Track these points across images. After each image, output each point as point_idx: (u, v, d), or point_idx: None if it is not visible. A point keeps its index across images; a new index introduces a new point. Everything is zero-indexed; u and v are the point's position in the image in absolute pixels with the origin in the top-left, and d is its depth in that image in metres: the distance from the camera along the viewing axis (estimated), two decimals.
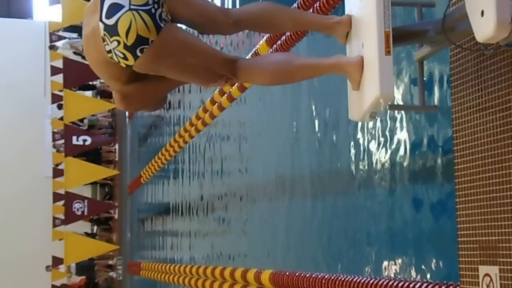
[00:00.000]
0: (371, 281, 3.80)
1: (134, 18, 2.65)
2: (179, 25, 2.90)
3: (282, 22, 3.00)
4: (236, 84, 6.48)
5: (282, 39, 5.33)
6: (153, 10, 2.67)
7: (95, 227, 21.03)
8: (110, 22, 2.68)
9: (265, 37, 5.72)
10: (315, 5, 4.56)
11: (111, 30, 2.67)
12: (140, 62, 2.72)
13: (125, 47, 2.68)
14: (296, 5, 4.83)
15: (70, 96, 15.98)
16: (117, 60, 2.75)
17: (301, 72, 2.91)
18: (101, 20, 2.70)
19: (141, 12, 2.65)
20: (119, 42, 2.68)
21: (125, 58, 2.72)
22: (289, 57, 3.00)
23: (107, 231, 20.17)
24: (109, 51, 2.73)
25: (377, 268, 4.05)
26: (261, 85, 3.08)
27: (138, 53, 2.69)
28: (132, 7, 2.65)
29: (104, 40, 2.72)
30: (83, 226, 20.18)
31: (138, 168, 14.89)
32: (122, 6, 2.66)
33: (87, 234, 19.63)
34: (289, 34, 5.16)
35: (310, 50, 5.16)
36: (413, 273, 3.66)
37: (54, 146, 19.46)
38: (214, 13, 2.92)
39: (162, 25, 2.70)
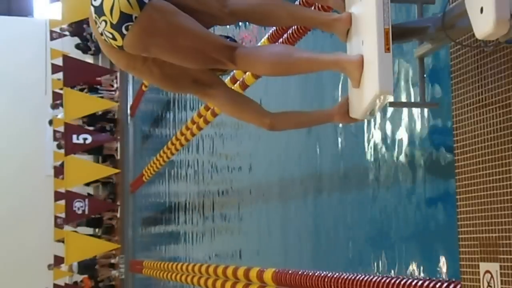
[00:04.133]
0: (373, 279, 3.80)
1: None
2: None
3: (280, 16, 2.99)
4: (238, 82, 6.49)
5: (284, 37, 5.33)
6: None
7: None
8: (97, 3, 2.68)
9: (267, 35, 5.73)
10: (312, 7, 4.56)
11: (99, 11, 2.68)
12: (127, 41, 2.70)
13: (112, 26, 2.67)
14: (298, 2, 4.82)
15: (70, 94, 15.97)
16: (108, 42, 2.74)
17: (300, 66, 2.89)
18: (91, 3, 2.71)
19: None
20: (106, 22, 2.67)
21: (114, 38, 2.71)
22: (289, 49, 2.98)
23: (109, 230, 20.19)
24: (102, 34, 2.73)
25: (378, 266, 4.05)
26: (259, 74, 3.05)
27: (124, 31, 2.67)
28: None
29: (96, 23, 2.72)
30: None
31: (140, 166, 14.89)
32: None
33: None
34: (290, 31, 5.15)
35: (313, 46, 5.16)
36: (414, 271, 3.66)
37: (58, 146, 19.43)
38: (210, 1, 2.89)
39: (146, 1, 2.67)
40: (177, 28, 2.74)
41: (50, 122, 20.02)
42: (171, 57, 2.83)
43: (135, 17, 2.65)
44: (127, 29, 2.67)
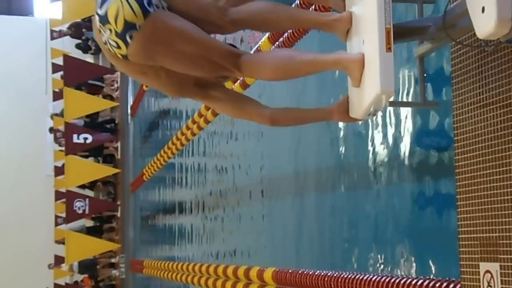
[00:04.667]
0: (372, 278, 3.80)
1: (122, 5, 2.66)
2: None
3: (281, 21, 3.01)
4: (239, 81, 6.49)
5: (284, 36, 5.33)
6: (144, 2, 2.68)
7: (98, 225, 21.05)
8: (102, 12, 2.71)
9: (267, 34, 5.73)
10: (312, 8, 4.57)
11: (103, 20, 2.71)
12: (131, 49, 2.72)
13: (116, 34, 2.70)
14: (297, 3, 4.82)
15: (70, 94, 15.97)
16: (113, 51, 2.76)
17: (303, 68, 2.91)
18: (96, 13, 2.74)
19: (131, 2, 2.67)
20: (110, 31, 2.70)
21: (118, 46, 2.73)
22: (292, 53, 3.00)
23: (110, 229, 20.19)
24: (105, 42, 2.76)
25: (379, 265, 4.05)
26: (264, 79, 3.06)
27: (128, 40, 2.69)
28: None
29: (100, 32, 2.75)
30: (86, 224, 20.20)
31: (140, 165, 14.90)
32: None
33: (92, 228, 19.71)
34: (291, 31, 5.15)
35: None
36: (415, 270, 3.66)
37: (59, 145, 19.43)
38: (210, 10, 2.91)
39: (151, 10, 2.69)
40: (182, 37, 2.76)
41: (51, 130, 20.01)
42: (177, 65, 2.86)
43: (139, 26, 2.67)
44: (131, 37, 2.69)
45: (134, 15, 2.66)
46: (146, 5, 2.68)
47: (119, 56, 2.77)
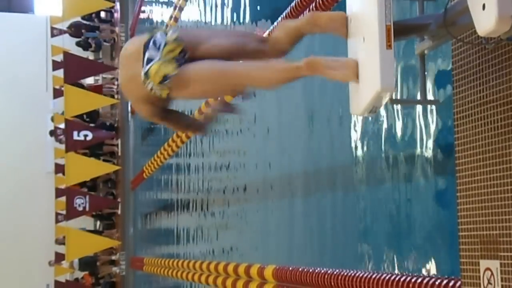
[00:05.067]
0: (373, 276, 3.80)
1: (161, 65, 3.16)
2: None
3: (283, 40, 3.18)
4: None
5: None
6: (179, 61, 3.15)
7: (98, 223, 21.07)
8: (145, 70, 3.20)
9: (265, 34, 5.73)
10: (313, 4, 4.58)
11: (146, 75, 3.21)
12: (171, 91, 3.18)
13: (157, 84, 3.18)
14: (293, 5, 4.87)
15: (70, 91, 15.97)
16: (158, 94, 3.22)
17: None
18: (143, 66, 3.22)
19: (167, 63, 3.16)
20: (153, 82, 3.18)
21: (162, 90, 3.19)
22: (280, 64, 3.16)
23: (110, 227, 20.20)
24: (151, 89, 3.22)
25: (379, 263, 4.05)
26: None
27: (168, 85, 3.16)
28: (161, 59, 3.17)
29: (144, 83, 3.23)
30: (86, 222, 20.20)
31: (141, 163, 14.90)
32: (155, 59, 3.19)
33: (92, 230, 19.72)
34: None
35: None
36: (415, 268, 3.66)
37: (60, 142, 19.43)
38: (246, 45, 3.21)
39: (182, 63, 3.14)
40: (215, 73, 3.16)
41: (51, 133, 20.00)
42: (216, 93, 3.48)
43: (174, 75, 3.14)
44: (169, 83, 3.15)
45: (170, 69, 3.15)
46: (179, 61, 3.15)
47: (164, 96, 3.22)
